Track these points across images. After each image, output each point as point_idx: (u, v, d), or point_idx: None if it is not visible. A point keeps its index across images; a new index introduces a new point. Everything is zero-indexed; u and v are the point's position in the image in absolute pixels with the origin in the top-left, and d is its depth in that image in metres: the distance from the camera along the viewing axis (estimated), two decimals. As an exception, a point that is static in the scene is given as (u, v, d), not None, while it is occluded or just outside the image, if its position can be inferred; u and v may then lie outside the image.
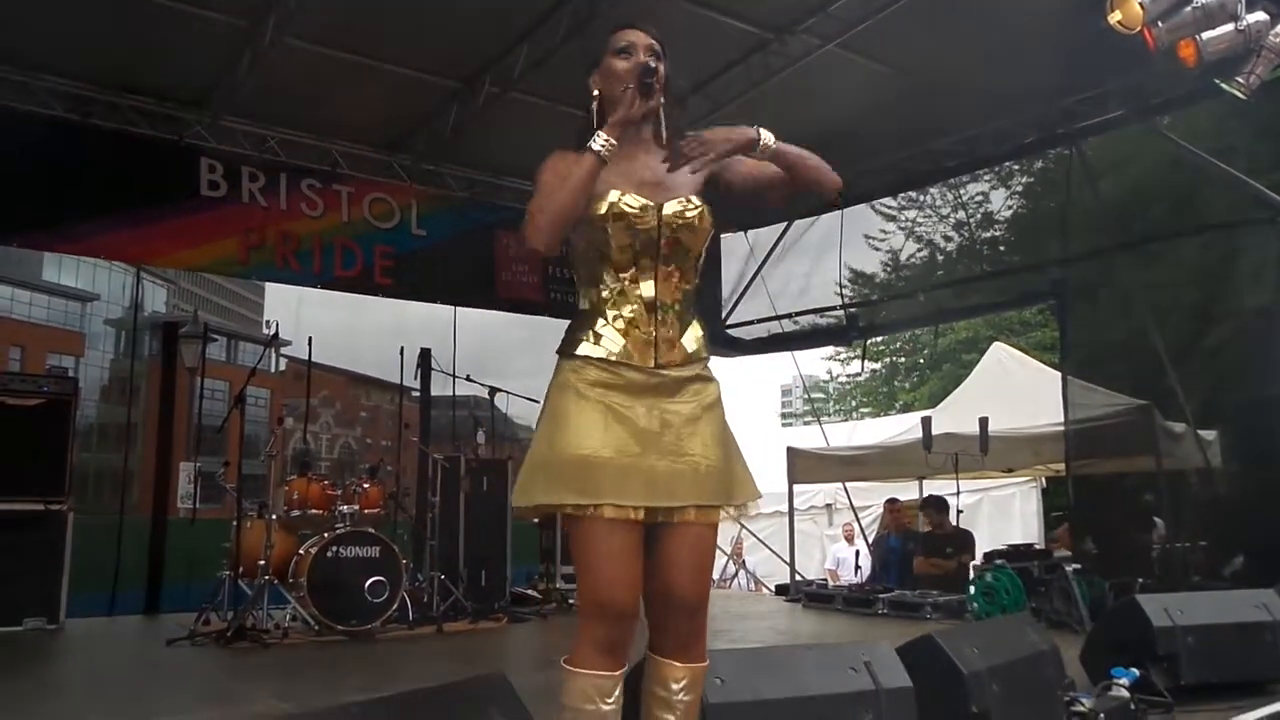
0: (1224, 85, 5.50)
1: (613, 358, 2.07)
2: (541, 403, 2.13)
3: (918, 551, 8.96)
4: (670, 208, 2.10)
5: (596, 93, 2.16)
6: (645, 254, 2.11)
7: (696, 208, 2.13)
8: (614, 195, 2.07)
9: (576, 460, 1.99)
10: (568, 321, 2.17)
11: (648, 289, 2.11)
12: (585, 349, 2.08)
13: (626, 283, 2.10)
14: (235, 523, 6.64)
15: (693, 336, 2.17)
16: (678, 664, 2.08)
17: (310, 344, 7.66)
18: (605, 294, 2.11)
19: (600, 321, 2.09)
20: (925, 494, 10.79)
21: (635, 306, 2.10)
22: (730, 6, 6.85)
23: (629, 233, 2.08)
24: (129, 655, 6.29)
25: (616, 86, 2.12)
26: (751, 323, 10.60)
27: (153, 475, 8.57)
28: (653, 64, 2.09)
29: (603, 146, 2.01)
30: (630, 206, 2.08)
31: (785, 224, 10.16)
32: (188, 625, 6.19)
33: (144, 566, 7.95)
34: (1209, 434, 8.05)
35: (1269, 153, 7.97)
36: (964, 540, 8.77)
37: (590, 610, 2.01)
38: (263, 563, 6.20)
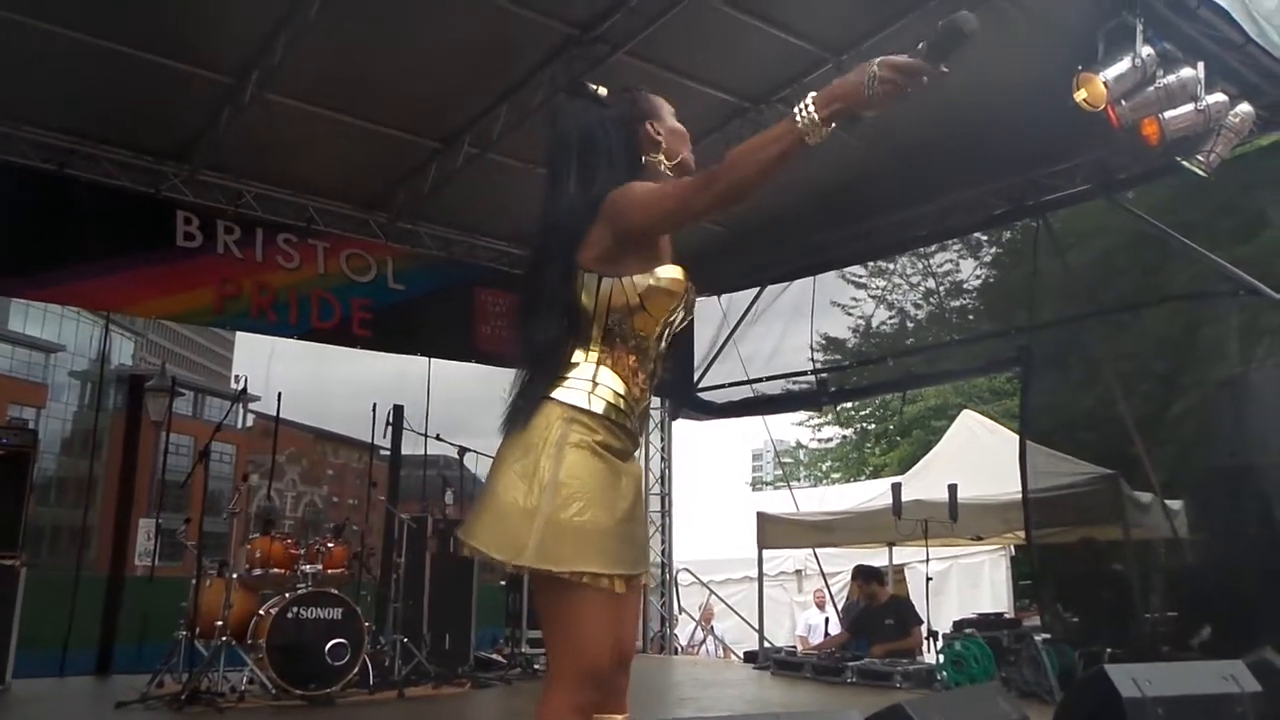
0: (1186, 163, 5.66)
1: (628, 424, 2.04)
2: (542, 452, 1.95)
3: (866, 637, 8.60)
4: (691, 290, 2.10)
5: (664, 144, 2.15)
6: (666, 327, 2.11)
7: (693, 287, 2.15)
8: (679, 272, 2.04)
9: (600, 528, 1.93)
10: None
11: (660, 362, 2.13)
12: (599, 406, 1.99)
13: (649, 353, 2.09)
14: (194, 581, 6.49)
15: None
16: (618, 715, 2.08)
17: (279, 399, 7.59)
18: (628, 356, 2.05)
19: (614, 379, 2.02)
20: (892, 562, 10.77)
21: (646, 375, 2.09)
22: (708, 77, 7.00)
23: (676, 307, 2.08)
24: (77, 718, 6.07)
25: (681, 145, 2.17)
26: (723, 386, 10.62)
27: (111, 531, 8.37)
28: None
29: (812, 133, 1.76)
30: (689, 290, 2.07)
31: (758, 289, 10.27)
32: (140, 687, 5.99)
33: (97, 625, 7.71)
34: (1175, 504, 8.11)
35: (1229, 228, 8.19)
36: (902, 609, 8.60)
37: (579, 679, 1.94)
38: (221, 623, 6.05)
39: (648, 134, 2.15)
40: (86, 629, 7.64)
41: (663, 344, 2.13)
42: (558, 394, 1.99)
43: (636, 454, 2.14)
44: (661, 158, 2.15)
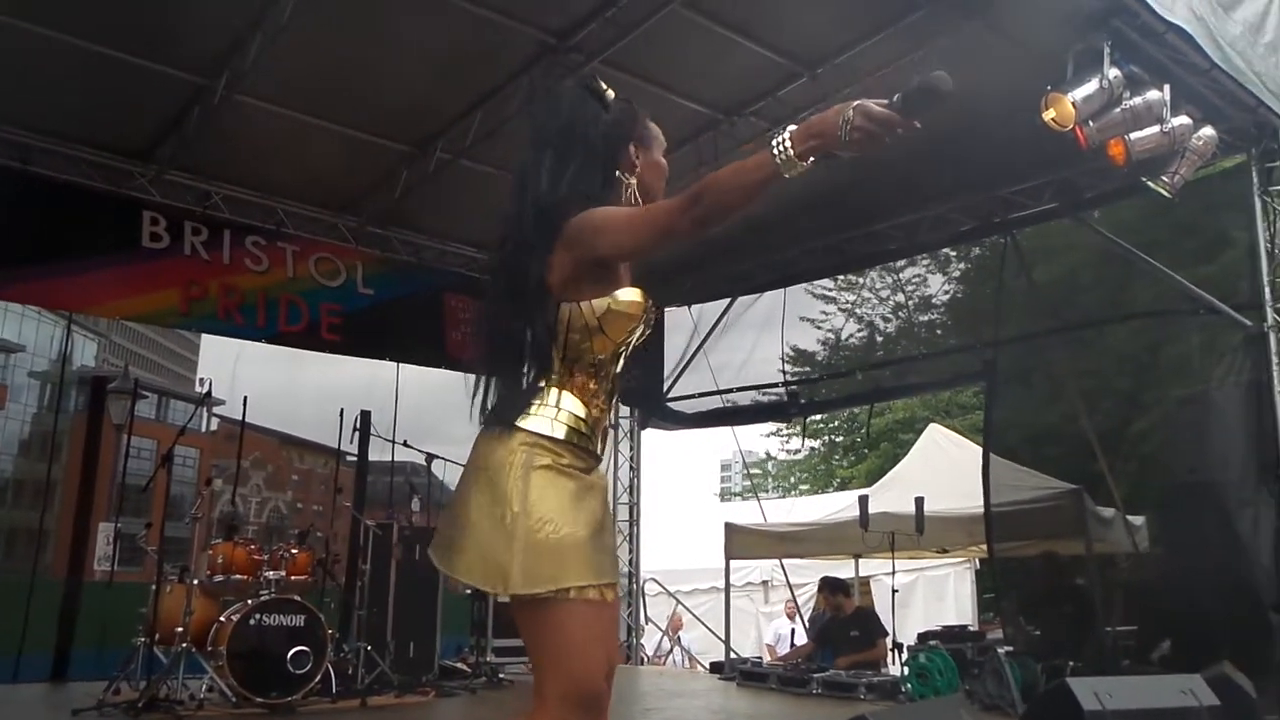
0: (1151, 184, 5.75)
1: (590, 445, 2.03)
2: (509, 479, 1.94)
3: (831, 648, 8.67)
4: (650, 306, 2.09)
5: (639, 170, 2.14)
6: (624, 348, 2.10)
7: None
8: (638, 294, 2.03)
9: (578, 541, 1.92)
10: None
11: (618, 380, 2.12)
12: (561, 431, 1.98)
13: (606, 373, 2.07)
14: (154, 587, 6.38)
15: None
16: None
17: (245, 403, 7.50)
18: (587, 378, 2.04)
19: (574, 403, 2.02)
20: (858, 574, 10.83)
21: (604, 396, 2.08)
22: (683, 88, 7.03)
23: (635, 328, 2.06)
24: (31, 726, 5.97)
25: (657, 180, 2.17)
26: (693, 396, 10.64)
27: (70, 535, 8.23)
28: None
29: (789, 169, 1.76)
30: (649, 310, 2.06)
31: (729, 300, 10.30)
32: (97, 694, 5.87)
33: (53, 631, 7.58)
34: (1138, 519, 8.21)
35: (1191, 248, 8.33)
36: (867, 621, 8.66)
37: (570, 701, 1.89)
38: (181, 629, 5.95)
39: (629, 156, 2.13)
40: (42, 635, 7.51)
41: (620, 363, 2.12)
42: (521, 422, 1.99)
43: (601, 466, 2.14)
44: (633, 182, 2.13)
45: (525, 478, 1.93)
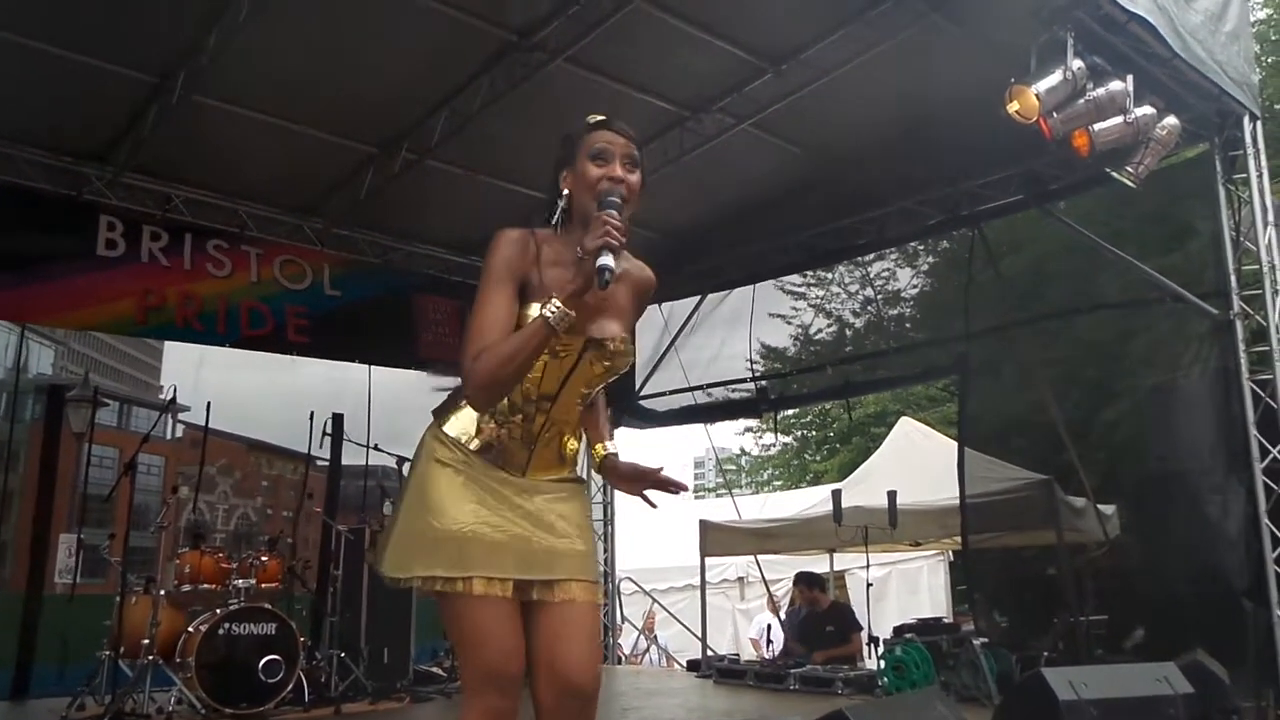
0: (1115, 174, 5.78)
1: (486, 459, 2.08)
2: (410, 468, 2.15)
3: (807, 643, 8.69)
4: (595, 344, 2.07)
5: (566, 191, 2.10)
6: (551, 376, 2.07)
7: (622, 343, 2.12)
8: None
9: (448, 534, 1.99)
10: None
11: (542, 408, 2.09)
12: (463, 436, 2.09)
13: (525, 395, 2.07)
14: (119, 598, 6.25)
15: (569, 451, 2.20)
16: None
17: (208, 409, 7.37)
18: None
19: (484, 418, 2.08)
20: (833, 569, 10.86)
21: (519, 421, 2.09)
22: (648, 85, 6.99)
23: (549, 357, 2.03)
24: (-7, 744, 5.83)
25: (586, 194, 2.07)
26: (665, 394, 10.60)
27: (28, 547, 8.04)
28: (619, 198, 2.01)
29: (558, 321, 1.91)
30: (560, 340, 1.99)
31: (699, 297, 10.27)
32: (60, 711, 5.77)
33: (13, 646, 7.39)
34: (1108, 508, 8.27)
35: (1157, 238, 8.39)
36: (843, 616, 8.70)
37: (479, 683, 2.00)
38: (147, 641, 5.84)
39: (561, 183, 2.14)
40: (1, 651, 7.33)
41: (561, 389, 2.09)
42: (441, 418, 2.13)
43: (568, 472, 2.20)
44: (561, 204, 2.12)
45: (423, 469, 2.08)
